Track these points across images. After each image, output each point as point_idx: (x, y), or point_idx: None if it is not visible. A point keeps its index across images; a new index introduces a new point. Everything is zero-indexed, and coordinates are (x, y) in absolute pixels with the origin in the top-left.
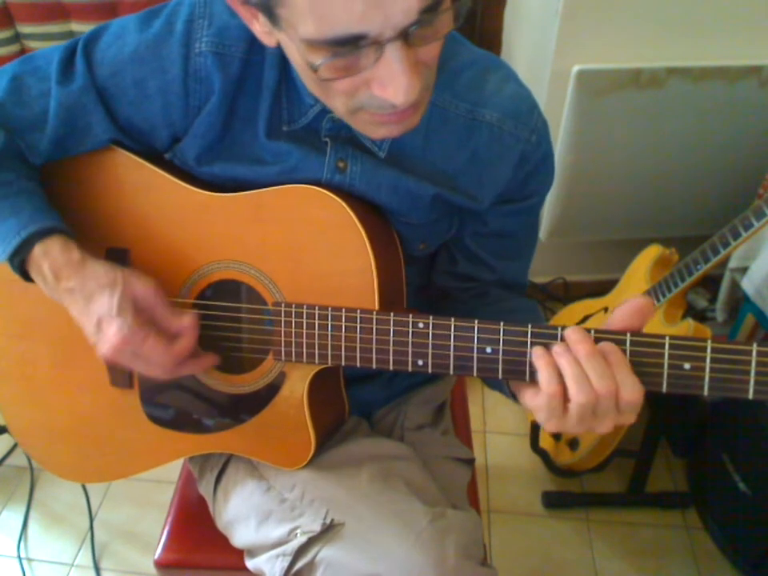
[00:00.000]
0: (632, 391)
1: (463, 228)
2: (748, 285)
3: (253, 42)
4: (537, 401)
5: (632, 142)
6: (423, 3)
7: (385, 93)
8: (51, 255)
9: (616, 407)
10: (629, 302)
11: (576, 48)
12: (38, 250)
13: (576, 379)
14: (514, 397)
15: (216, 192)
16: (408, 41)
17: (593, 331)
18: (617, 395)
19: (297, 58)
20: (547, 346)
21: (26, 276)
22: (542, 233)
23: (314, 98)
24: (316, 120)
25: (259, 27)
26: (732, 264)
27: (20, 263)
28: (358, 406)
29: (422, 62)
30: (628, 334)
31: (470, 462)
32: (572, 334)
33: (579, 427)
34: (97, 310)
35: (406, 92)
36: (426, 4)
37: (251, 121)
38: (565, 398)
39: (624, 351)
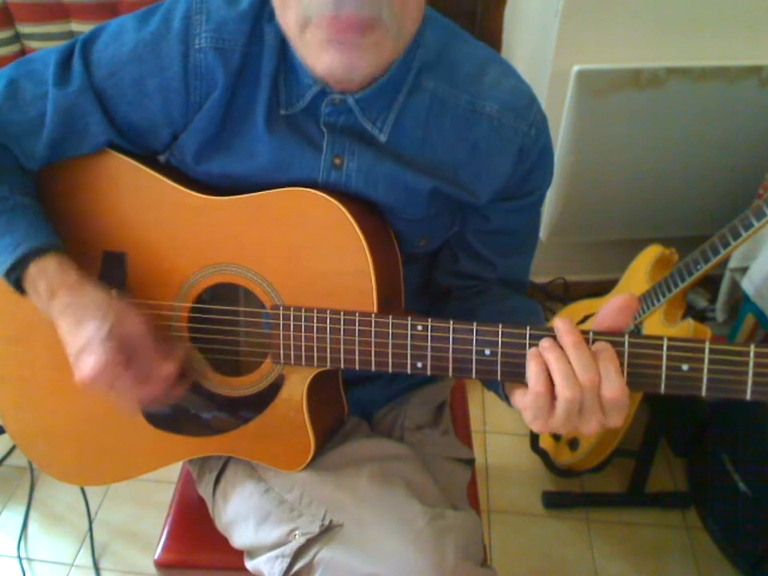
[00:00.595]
0: (613, 388)
1: (465, 225)
2: (748, 285)
3: (251, 34)
4: (525, 400)
5: (632, 142)
6: None
7: None
8: (47, 275)
9: (600, 405)
10: (613, 300)
11: (576, 48)
12: (33, 268)
13: (563, 374)
14: (507, 400)
15: (212, 194)
16: None
17: (591, 333)
18: (599, 390)
19: None
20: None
21: (22, 291)
22: (542, 233)
23: (313, 78)
24: (314, 103)
25: None
26: (732, 264)
27: (16, 279)
28: (358, 406)
29: None
30: (626, 336)
31: (470, 462)
32: (561, 324)
33: (565, 426)
34: (83, 335)
35: None
36: None
37: (249, 111)
38: (552, 396)
39: (622, 352)
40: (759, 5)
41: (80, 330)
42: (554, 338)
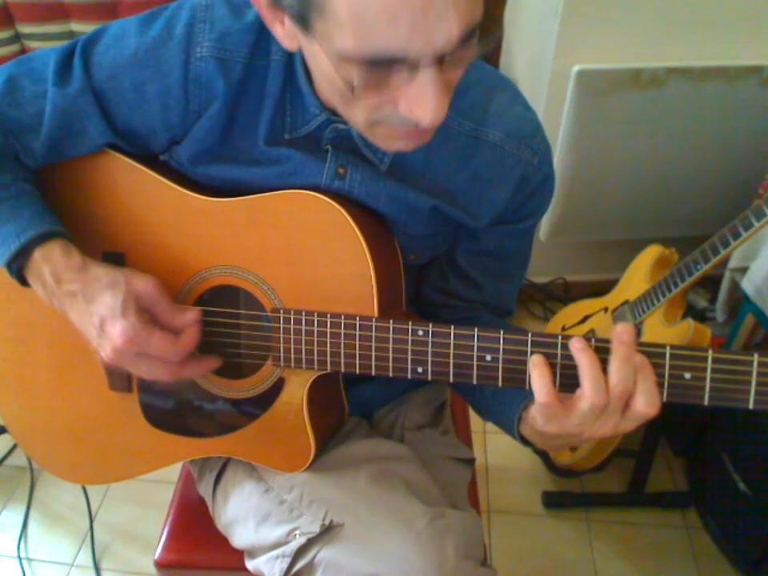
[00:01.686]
0: (649, 404)
1: (456, 244)
2: (748, 285)
3: (256, 46)
4: (535, 409)
5: (632, 142)
6: (463, 33)
7: (413, 113)
8: (52, 259)
9: (622, 411)
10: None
11: (576, 48)
12: (37, 254)
13: (593, 381)
14: (523, 440)
15: (213, 195)
16: (442, 66)
17: (593, 340)
18: (630, 400)
19: (326, 68)
20: (546, 355)
21: (23, 281)
22: (542, 233)
23: (319, 107)
24: (319, 129)
25: (282, 31)
26: (732, 264)
27: (18, 268)
28: (358, 406)
29: (449, 84)
30: None
31: (470, 462)
32: (622, 332)
33: (580, 428)
34: (99, 311)
35: (435, 114)
36: (466, 34)
37: (251, 128)
38: (560, 402)
39: None
40: (759, 5)
41: (96, 305)
42: (556, 345)
